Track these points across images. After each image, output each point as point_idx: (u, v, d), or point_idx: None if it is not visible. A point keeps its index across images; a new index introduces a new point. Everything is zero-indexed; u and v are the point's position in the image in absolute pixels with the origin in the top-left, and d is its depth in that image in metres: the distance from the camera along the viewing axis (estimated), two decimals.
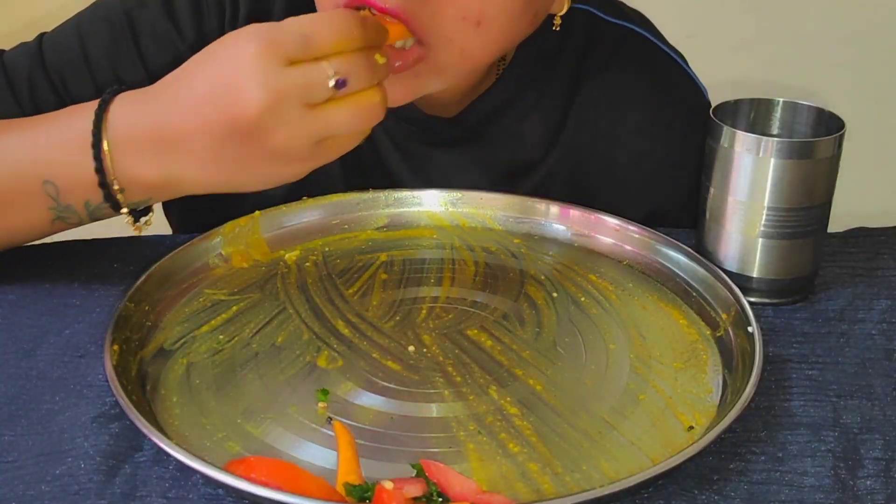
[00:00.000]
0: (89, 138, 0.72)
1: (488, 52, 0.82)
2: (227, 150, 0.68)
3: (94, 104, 0.73)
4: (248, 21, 0.91)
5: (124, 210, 0.74)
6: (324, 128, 0.67)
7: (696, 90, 1.00)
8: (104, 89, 0.88)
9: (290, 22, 0.66)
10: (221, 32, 0.90)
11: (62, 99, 0.88)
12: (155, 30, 0.91)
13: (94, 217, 0.76)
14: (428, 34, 0.78)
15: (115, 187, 0.72)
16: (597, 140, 0.97)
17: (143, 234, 0.78)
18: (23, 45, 0.91)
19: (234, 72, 0.66)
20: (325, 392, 0.70)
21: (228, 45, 0.67)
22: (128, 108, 0.73)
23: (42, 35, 0.92)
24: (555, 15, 0.87)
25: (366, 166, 0.96)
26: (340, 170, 0.95)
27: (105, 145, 0.71)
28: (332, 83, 0.65)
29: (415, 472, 0.60)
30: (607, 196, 0.97)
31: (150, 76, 0.90)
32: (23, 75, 0.89)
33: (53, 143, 0.75)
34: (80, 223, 0.78)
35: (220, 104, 0.66)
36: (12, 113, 0.87)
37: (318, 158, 0.69)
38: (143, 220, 0.77)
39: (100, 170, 0.72)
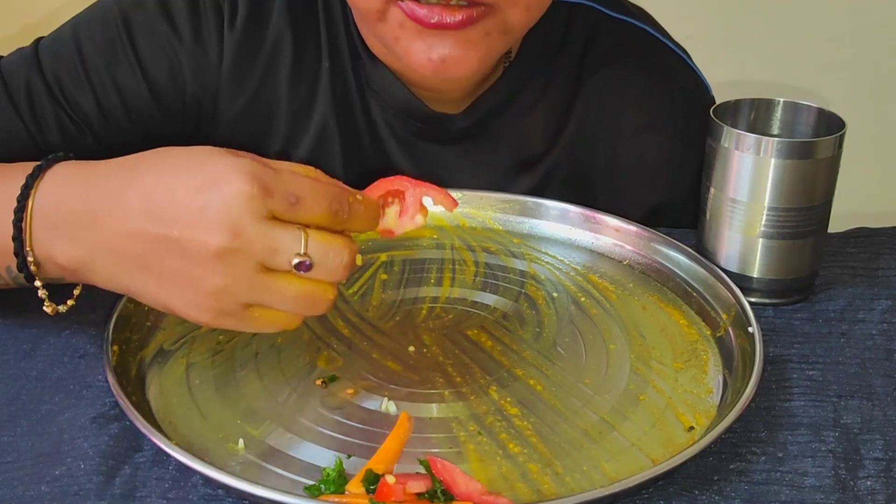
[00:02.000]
0: (14, 203, 0.68)
1: (544, 7, 0.83)
2: (156, 263, 0.63)
3: (31, 167, 0.69)
4: (247, 24, 0.91)
5: (38, 283, 0.69)
6: (264, 295, 0.62)
7: (699, 84, 1.00)
8: (101, 95, 0.88)
9: (289, 177, 0.63)
10: (220, 36, 0.90)
11: (59, 105, 0.87)
12: (152, 32, 0.90)
13: (18, 283, 0.72)
14: None
15: (29, 259, 0.68)
16: (599, 136, 0.97)
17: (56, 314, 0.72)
18: (19, 50, 0.90)
19: (214, 200, 0.61)
20: (332, 378, 0.71)
21: (221, 168, 0.62)
22: (64, 180, 0.68)
23: (39, 40, 0.91)
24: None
25: (369, 164, 0.96)
26: (342, 168, 0.95)
27: (27, 216, 0.67)
28: (295, 261, 0.62)
29: (422, 468, 0.60)
30: (610, 191, 0.97)
31: (148, 82, 0.89)
32: (20, 82, 0.87)
33: None
34: (6, 286, 0.74)
35: (179, 222, 0.62)
36: (11, 121, 0.86)
37: (237, 320, 0.64)
38: (62, 306, 0.72)
39: (17, 238, 0.67)
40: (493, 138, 0.96)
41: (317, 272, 0.63)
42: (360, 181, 0.94)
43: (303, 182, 0.63)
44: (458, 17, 0.77)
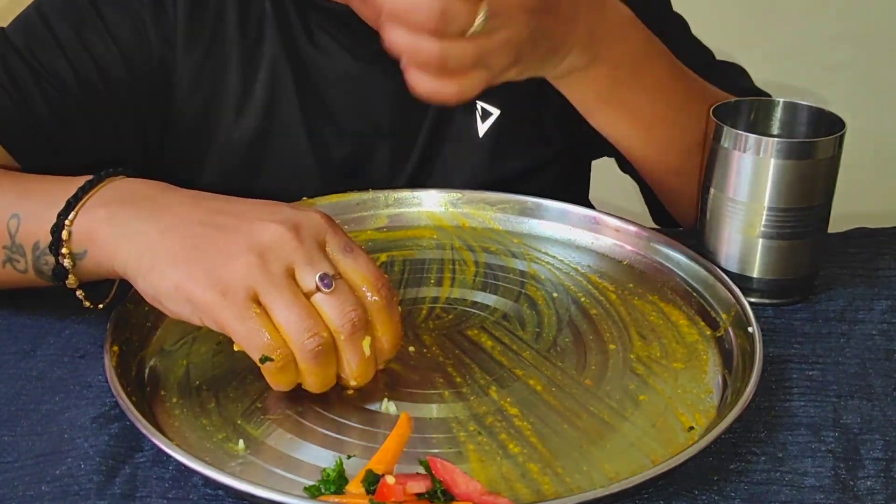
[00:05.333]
0: (73, 190, 0.71)
1: None
2: (203, 230, 0.67)
3: (106, 171, 0.74)
4: None
5: (64, 251, 0.71)
6: (273, 291, 0.64)
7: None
8: (76, 62, 0.88)
9: (353, 241, 0.68)
10: None
11: (39, 76, 0.87)
12: None
13: (36, 267, 0.74)
14: None
15: (68, 222, 0.70)
16: None
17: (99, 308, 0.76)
18: None
19: (287, 210, 0.68)
20: None
21: (297, 207, 0.70)
22: (132, 181, 0.73)
23: (2, 29, 0.90)
24: None
25: (326, 104, 0.96)
26: (300, 111, 0.95)
27: (84, 199, 0.71)
28: (316, 278, 0.65)
29: (422, 468, 0.60)
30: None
31: (118, 45, 0.90)
32: None
33: (45, 185, 0.76)
34: (24, 273, 0.75)
35: (248, 213, 0.68)
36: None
37: (235, 311, 0.64)
38: (100, 303, 0.75)
39: (64, 212, 0.71)
40: None
41: (331, 299, 0.65)
42: (316, 120, 0.94)
43: (362, 253, 0.68)
44: None
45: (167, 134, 0.95)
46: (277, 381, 0.66)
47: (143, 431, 0.63)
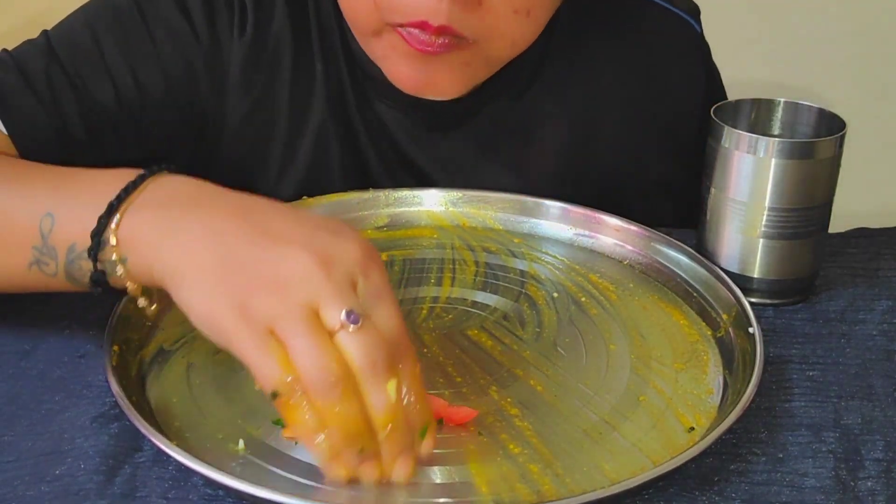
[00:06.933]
0: (117, 190, 0.65)
1: (534, 37, 0.84)
2: (234, 244, 0.61)
3: (149, 169, 0.67)
4: (255, 26, 0.90)
5: (108, 257, 0.65)
6: (291, 324, 0.58)
7: (675, 21, 0.99)
8: (122, 88, 0.86)
9: (385, 282, 0.61)
10: (230, 36, 0.89)
11: (81, 97, 0.84)
12: (169, 24, 0.88)
13: (68, 271, 0.68)
14: (479, 32, 0.79)
15: (113, 226, 0.64)
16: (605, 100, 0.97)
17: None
18: (29, 42, 0.87)
19: (327, 237, 0.61)
20: None
21: (343, 226, 0.63)
22: (176, 179, 0.67)
23: (46, 32, 0.87)
24: None
25: (369, 164, 0.96)
26: (341, 170, 0.94)
27: (128, 201, 0.65)
28: (342, 315, 0.58)
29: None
30: (610, 162, 0.97)
31: (165, 75, 0.87)
32: (40, 73, 0.84)
33: (81, 181, 0.70)
34: (53, 276, 0.69)
35: (284, 236, 0.61)
36: (35, 112, 0.82)
37: (247, 334, 0.59)
38: (152, 306, 0.68)
39: (106, 215, 0.65)
40: (497, 120, 0.95)
41: (355, 337, 0.58)
42: (359, 182, 0.94)
43: (391, 298, 0.61)
44: (444, 39, 0.79)
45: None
46: (292, 420, 0.60)
47: (143, 431, 0.63)
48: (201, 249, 0.62)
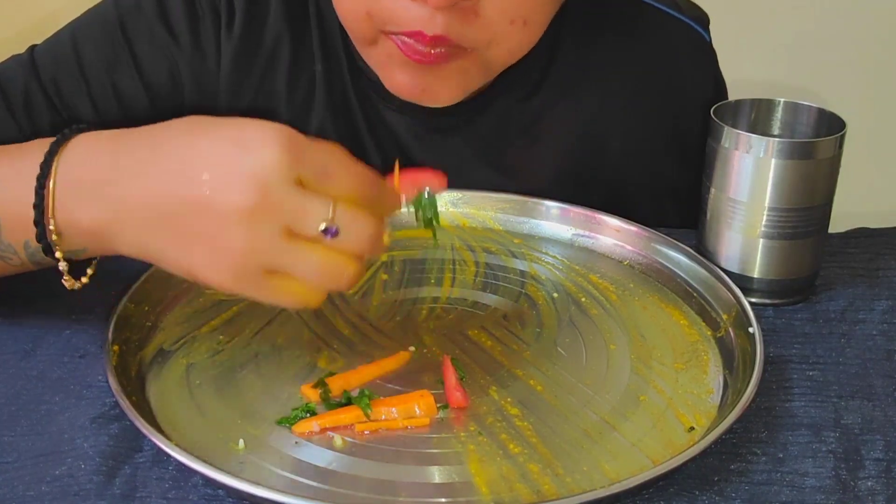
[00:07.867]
0: (37, 171, 0.67)
1: (531, 44, 0.84)
2: (183, 223, 0.63)
3: (50, 140, 0.69)
4: (244, 28, 0.90)
5: (58, 255, 0.68)
6: (287, 259, 0.61)
7: (684, 28, 0.99)
8: (99, 100, 0.87)
9: (320, 149, 0.63)
10: (217, 40, 0.89)
11: (58, 112, 0.86)
12: (151, 36, 0.89)
13: (34, 261, 0.71)
14: (475, 41, 0.79)
15: (50, 227, 0.67)
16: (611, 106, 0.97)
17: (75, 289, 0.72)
18: (14, 58, 0.89)
19: (247, 161, 0.61)
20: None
21: (256, 133, 0.62)
22: (91, 147, 0.68)
23: (33, 47, 0.89)
24: None
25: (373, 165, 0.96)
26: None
27: (51, 182, 0.67)
28: (322, 226, 0.61)
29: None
30: (617, 167, 0.97)
31: (145, 85, 0.89)
32: (18, 89, 0.86)
33: (8, 175, 0.70)
34: (22, 266, 0.72)
35: (209, 182, 0.61)
36: (9, 128, 0.85)
37: (256, 287, 0.62)
38: (78, 283, 0.72)
39: (38, 206, 0.67)
40: (502, 121, 0.95)
41: (343, 240, 0.62)
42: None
43: (335, 157, 0.63)
44: (440, 49, 0.78)
45: None
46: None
47: (143, 431, 0.63)
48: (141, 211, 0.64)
